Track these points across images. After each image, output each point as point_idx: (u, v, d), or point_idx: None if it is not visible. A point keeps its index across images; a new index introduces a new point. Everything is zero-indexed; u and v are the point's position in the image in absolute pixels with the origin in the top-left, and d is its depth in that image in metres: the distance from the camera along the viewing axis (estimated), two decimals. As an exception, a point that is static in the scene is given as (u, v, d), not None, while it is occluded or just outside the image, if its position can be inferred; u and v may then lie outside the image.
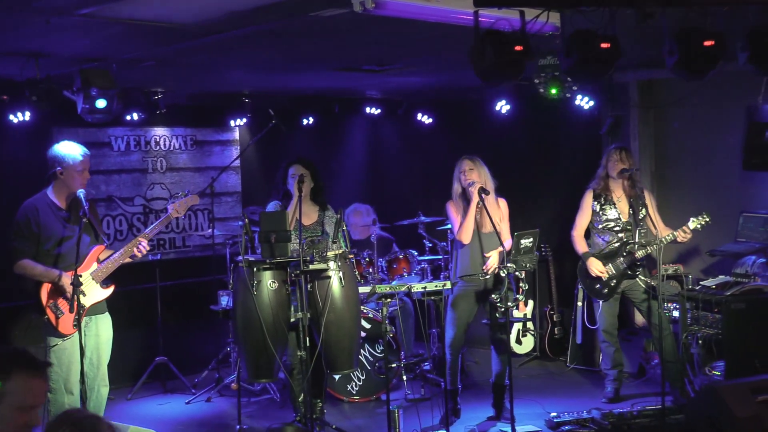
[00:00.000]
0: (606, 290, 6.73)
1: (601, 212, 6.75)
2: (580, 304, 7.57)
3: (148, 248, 5.71)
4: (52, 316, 5.44)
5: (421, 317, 6.54)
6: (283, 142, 8.61)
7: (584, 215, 6.86)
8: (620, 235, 6.68)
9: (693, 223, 6.44)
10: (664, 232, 6.55)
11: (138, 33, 5.08)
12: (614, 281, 6.69)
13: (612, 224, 6.72)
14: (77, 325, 5.35)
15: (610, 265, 6.69)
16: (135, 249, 5.63)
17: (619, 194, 6.75)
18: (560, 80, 5.86)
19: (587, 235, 6.91)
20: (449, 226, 6.54)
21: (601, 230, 6.78)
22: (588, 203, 6.83)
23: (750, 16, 4.59)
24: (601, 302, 6.80)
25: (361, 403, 6.93)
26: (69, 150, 5.52)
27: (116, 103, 5.79)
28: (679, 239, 6.47)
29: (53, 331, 5.46)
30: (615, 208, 6.73)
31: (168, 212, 5.85)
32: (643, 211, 6.62)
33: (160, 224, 5.84)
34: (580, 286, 7.24)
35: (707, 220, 6.45)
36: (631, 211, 6.64)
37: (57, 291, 5.45)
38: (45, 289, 5.46)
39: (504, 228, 6.25)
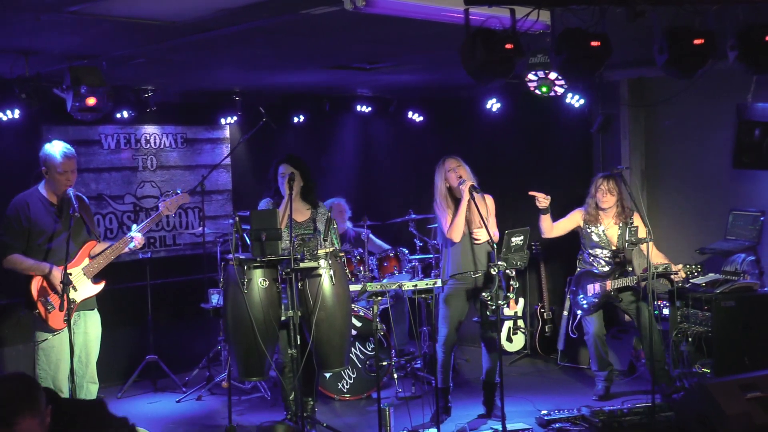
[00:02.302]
0: (586, 306, 6.86)
1: (590, 237, 6.90)
2: (566, 313, 7.63)
3: (142, 242, 5.73)
4: (42, 311, 5.44)
5: (412, 315, 6.54)
6: (273, 140, 8.60)
7: (567, 223, 6.98)
8: (612, 261, 6.81)
9: (686, 268, 6.53)
10: (659, 260, 6.65)
11: (128, 30, 5.07)
12: (596, 299, 6.79)
13: (599, 251, 6.86)
14: (68, 320, 5.35)
15: (597, 284, 6.79)
16: (126, 245, 5.65)
17: (607, 224, 6.87)
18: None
19: (578, 248, 7.06)
20: (436, 225, 6.55)
21: (591, 252, 6.92)
22: (575, 219, 6.98)
23: (740, 15, 4.61)
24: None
25: (352, 401, 6.94)
26: (51, 151, 5.54)
27: (106, 100, 5.78)
28: (673, 277, 6.56)
29: (43, 325, 5.47)
30: (605, 235, 6.85)
31: (159, 210, 5.87)
32: (633, 239, 6.59)
33: (150, 222, 5.85)
34: (568, 295, 7.26)
35: (699, 270, 6.58)
36: (620, 241, 6.77)
37: (48, 285, 5.44)
38: (35, 284, 5.46)
39: (491, 221, 6.26)
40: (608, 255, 6.84)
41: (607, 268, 6.82)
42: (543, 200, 6.69)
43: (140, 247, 5.82)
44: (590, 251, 6.91)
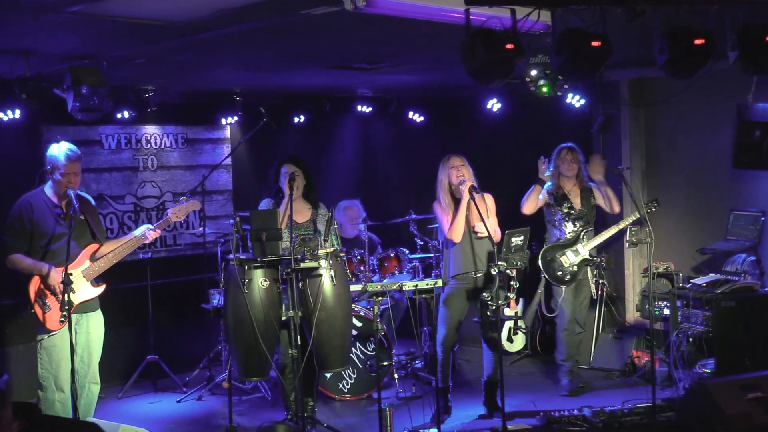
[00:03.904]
0: (568, 276, 6.95)
1: (556, 205, 7.08)
2: (540, 291, 7.69)
3: (155, 235, 5.77)
4: (39, 312, 5.44)
5: (412, 315, 6.55)
6: (274, 141, 8.60)
7: (534, 196, 7.18)
8: (577, 223, 7.00)
9: (647, 206, 6.90)
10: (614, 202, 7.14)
11: (128, 31, 5.07)
12: (576, 267, 6.93)
13: (566, 212, 7.05)
14: (63, 321, 5.35)
15: (570, 252, 6.95)
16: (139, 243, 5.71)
17: (569, 188, 7.10)
18: (551, 78, 5.87)
19: (544, 229, 7.24)
20: (437, 225, 6.56)
21: (557, 222, 7.07)
22: (537, 190, 7.18)
23: (740, 15, 4.61)
24: (563, 290, 7.02)
25: (352, 402, 6.93)
26: (57, 151, 5.52)
27: (106, 101, 5.78)
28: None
29: (40, 326, 5.47)
30: (568, 200, 7.06)
31: (167, 215, 5.86)
32: (592, 201, 7.10)
33: (157, 227, 5.83)
34: (542, 276, 7.28)
35: (657, 206, 7.00)
36: (583, 202, 7.07)
37: (45, 287, 5.44)
38: (33, 285, 5.46)
39: (492, 221, 6.27)
40: (575, 216, 7.03)
41: (573, 227, 7.01)
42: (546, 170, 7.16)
43: (149, 242, 5.84)
44: (557, 219, 7.06)
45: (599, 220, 7.37)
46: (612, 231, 7.02)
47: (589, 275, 7.07)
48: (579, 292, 7.08)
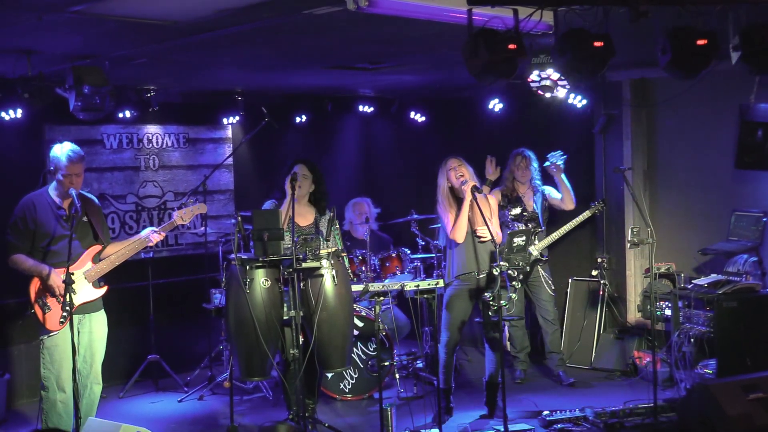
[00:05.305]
0: (521, 276, 6.98)
1: (509, 207, 7.37)
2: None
3: (160, 237, 5.77)
4: (39, 312, 5.44)
5: (414, 315, 6.55)
6: (275, 140, 8.61)
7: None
8: (529, 225, 7.25)
9: (591, 210, 7.51)
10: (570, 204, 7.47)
11: (130, 30, 5.07)
12: (528, 268, 7.14)
13: (519, 214, 7.34)
14: (63, 322, 5.35)
15: (522, 254, 7.06)
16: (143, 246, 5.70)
17: (523, 191, 7.45)
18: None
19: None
20: (439, 225, 6.56)
21: (509, 223, 7.30)
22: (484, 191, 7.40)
23: (743, 15, 4.60)
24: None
25: (353, 402, 6.93)
26: (57, 152, 5.52)
27: (108, 100, 5.77)
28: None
29: (40, 326, 5.47)
30: (522, 202, 7.39)
31: (173, 218, 5.85)
32: (545, 203, 7.46)
33: (162, 230, 5.82)
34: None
35: (603, 207, 7.63)
36: (536, 205, 7.41)
37: (45, 287, 5.44)
38: (34, 285, 5.46)
39: (494, 221, 6.28)
40: (526, 218, 7.32)
41: (525, 228, 7.26)
42: (494, 172, 7.28)
43: (152, 245, 5.84)
44: (509, 220, 7.30)
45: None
46: (561, 231, 7.42)
47: (542, 273, 7.33)
48: (536, 292, 7.37)
